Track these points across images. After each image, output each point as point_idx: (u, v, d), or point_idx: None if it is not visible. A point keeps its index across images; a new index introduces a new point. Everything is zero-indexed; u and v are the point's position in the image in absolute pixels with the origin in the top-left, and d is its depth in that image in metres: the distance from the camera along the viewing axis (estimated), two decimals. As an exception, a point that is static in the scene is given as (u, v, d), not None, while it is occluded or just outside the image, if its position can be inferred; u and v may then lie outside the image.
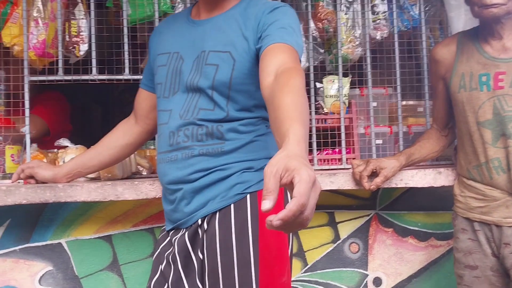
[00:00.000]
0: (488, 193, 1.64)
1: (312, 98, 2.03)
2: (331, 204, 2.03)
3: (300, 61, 1.24)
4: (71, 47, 1.96)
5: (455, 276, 1.76)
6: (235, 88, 1.29)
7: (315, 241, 2.02)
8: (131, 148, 1.64)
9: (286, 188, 1.30)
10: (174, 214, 1.33)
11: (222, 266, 1.22)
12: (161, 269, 1.33)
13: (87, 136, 2.47)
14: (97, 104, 4.78)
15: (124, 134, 1.62)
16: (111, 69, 1.96)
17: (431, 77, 1.85)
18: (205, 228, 1.27)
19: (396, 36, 2.12)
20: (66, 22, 1.96)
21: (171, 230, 1.36)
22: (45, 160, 1.90)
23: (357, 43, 2.09)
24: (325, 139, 2.02)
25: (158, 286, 1.32)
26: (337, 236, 2.04)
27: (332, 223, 2.04)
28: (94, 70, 1.93)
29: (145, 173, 1.96)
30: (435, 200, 2.08)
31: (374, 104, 2.08)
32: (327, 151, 2.06)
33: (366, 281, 2.05)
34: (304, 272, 2.01)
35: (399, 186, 1.85)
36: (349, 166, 1.92)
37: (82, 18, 1.97)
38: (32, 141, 1.90)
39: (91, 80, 1.93)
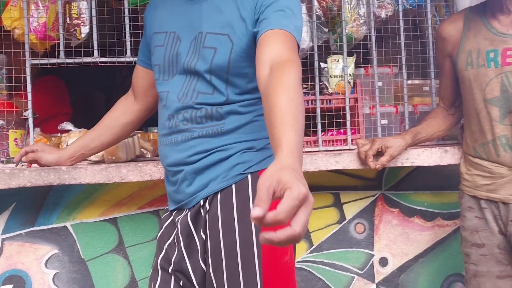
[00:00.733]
0: (495, 170, 1.63)
1: (317, 78, 2.01)
2: (336, 185, 2.02)
3: (299, 46, 1.21)
4: (72, 30, 1.94)
5: (462, 254, 1.76)
6: (233, 72, 1.26)
7: (320, 222, 2.01)
8: (131, 126, 1.62)
9: None
10: (176, 195, 1.33)
11: (224, 247, 1.22)
12: (165, 248, 1.32)
13: (90, 122, 2.47)
14: (100, 91, 4.77)
15: (124, 112, 1.60)
16: (113, 51, 1.94)
17: (438, 55, 1.83)
18: (207, 209, 1.26)
19: (401, 14, 2.09)
20: (67, 4, 1.94)
21: (174, 210, 1.35)
22: (48, 143, 1.90)
23: (361, 21, 2.06)
24: (330, 119, 2.01)
25: (164, 263, 1.32)
26: (342, 217, 2.03)
27: (338, 204, 2.03)
28: (95, 52, 1.91)
29: (149, 156, 1.95)
30: (441, 180, 2.07)
31: (380, 83, 2.05)
32: (332, 132, 2.04)
33: (372, 261, 2.05)
34: (310, 253, 2.01)
35: (405, 165, 1.84)
36: (354, 147, 1.91)
37: (83, 0, 1.95)
38: (35, 125, 1.89)
39: (93, 62, 1.91)
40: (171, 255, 1.30)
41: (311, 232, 2.01)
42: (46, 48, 1.95)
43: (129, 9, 1.94)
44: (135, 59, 1.91)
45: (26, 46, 1.87)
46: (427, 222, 2.08)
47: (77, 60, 1.90)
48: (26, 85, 1.85)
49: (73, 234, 1.88)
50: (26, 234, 1.86)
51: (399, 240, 2.06)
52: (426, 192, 2.08)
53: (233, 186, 1.25)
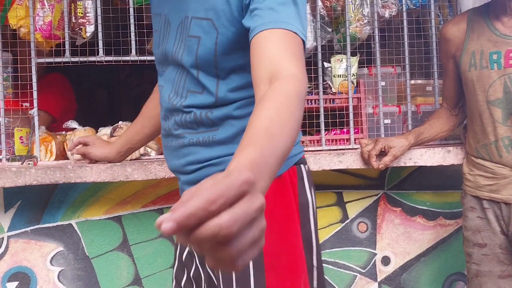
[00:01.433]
0: (497, 171, 1.64)
1: (320, 78, 2.02)
2: (339, 184, 2.03)
3: (305, 48, 0.97)
4: (77, 29, 1.95)
5: (464, 254, 1.77)
6: (224, 66, 1.06)
7: (323, 220, 2.03)
8: None
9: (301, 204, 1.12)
10: None
11: (222, 279, 1.10)
12: (184, 257, 1.26)
13: (93, 119, 2.48)
14: (102, 88, 4.78)
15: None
16: (117, 50, 1.95)
17: (441, 56, 1.83)
18: None
19: (404, 14, 2.09)
20: (72, 3, 1.95)
21: None
22: (53, 142, 1.91)
23: (365, 21, 2.07)
24: (333, 119, 2.02)
25: (180, 274, 1.27)
26: (345, 216, 2.05)
27: (341, 203, 2.04)
28: (101, 51, 1.92)
29: (153, 155, 1.97)
30: (444, 179, 2.08)
31: (383, 83, 2.06)
32: (335, 131, 2.05)
33: (375, 260, 2.06)
34: (313, 252, 2.03)
35: (408, 165, 1.85)
36: (358, 146, 1.92)
37: (88, -1, 1.96)
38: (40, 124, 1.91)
39: (98, 61, 1.93)
40: (189, 267, 1.23)
41: (314, 231, 2.02)
42: (52, 47, 1.96)
43: (134, 8, 1.95)
44: (140, 58, 1.93)
45: (32, 45, 1.88)
46: (429, 222, 2.09)
47: (82, 59, 1.91)
48: (32, 83, 1.87)
49: (78, 232, 1.89)
50: (32, 231, 1.87)
51: (401, 239, 2.08)
52: (429, 191, 2.09)
53: None
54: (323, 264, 1.20)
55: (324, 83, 2.06)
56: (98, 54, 1.92)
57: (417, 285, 2.08)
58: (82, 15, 1.96)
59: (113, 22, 2.03)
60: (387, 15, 2.09)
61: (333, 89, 2.06)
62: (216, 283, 1.14)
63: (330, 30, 2.08)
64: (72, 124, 1.95)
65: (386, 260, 2.07)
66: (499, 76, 1.60)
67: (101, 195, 1.90)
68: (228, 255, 0.50)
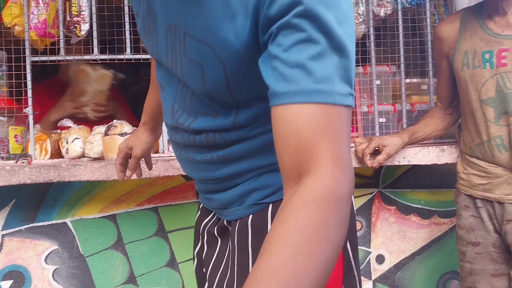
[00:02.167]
0: (491, 170, 1.64)
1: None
2: (334, 183, 2.03)
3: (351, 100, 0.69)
4: (72, 27, 1.95)
5: (458, 252, 1.77)
6: (241, 96, 0.86)
7: (318, 219, 2.03)
8: None
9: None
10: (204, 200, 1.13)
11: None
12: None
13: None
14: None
15: None
16: (112, 48, 1.95)
17: (435, 55, 1.84)
18: (229, 230, 1.02)
19: (400, 13, 2.09)
20: (67, 2, 1.94)
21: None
22: (48, 140, 1.91)
23: (360, 20, 2.07)
24: (328, 117, 2.01)
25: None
26: (340, 214, 2.04)
27: (335, 202, 2.04)
28: (95, 50, 1.92)
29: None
30: (438, 178, 2.08)
31: (378, 82, 2.06)
32: (330, 130, 2.05)
33: (369, 259, 2.07)
34: (307, 250, 2.03)
35: (402, 163, 1.85)
36: (352, 145, 1.92)
37: (83, -3, 1.96)
38: (35, 122, 1.91)
39: (93, 60, 1.92)
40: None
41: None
42: (46, 45, 1.96)
43: (129, 7, 1.95)
44: (135, 56, 1.93)
45: (26, 43, 1.88)
46: (424, 220, 2.09)
47: (77, 57, 1.91)
48: (26, 82, 1.86)
49: (73, 230, 1.89)
50: (26, 230, 1.87)
51: (396, 237, 2.08)
52: (423, 190, 2.09)
53: (250, 218, 0.95)
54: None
55: (319, 81, 2.05)
56: (93, 53, 1.92)
57: (411, 284, 2.09)
58: (77, 13, 1.95)
59: (108, 20, 2.03)
60: (382, 13, 2.09)
61: (328, 87, 2.06)
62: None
63: (325, 28, 2.07)
64: (67, 122, 1.95)
65: (380, 259, 2.07)
66: (492, 75, 1.61)
67: (96, 194, 1.90)
68: None
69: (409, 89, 2.14)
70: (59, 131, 2.00)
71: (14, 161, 1.78)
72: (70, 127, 1.93)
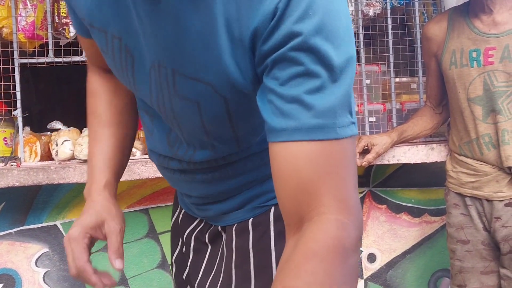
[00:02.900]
0: (479, 168, 1.65)
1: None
2: (325, 182, 2.03)
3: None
4: (60, 29, 1.94)
5: (448, 251, 1.78)
6: (244, 128, 0.81)
7: (309, 219, 2.03)
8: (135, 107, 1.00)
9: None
10: (190, 208, 1.06)
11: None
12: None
13: (81, 119, 2.46)
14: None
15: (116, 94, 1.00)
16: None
17: (424, 54, 1.84)
18: (224, 237, 0.98)
19: (389, 12, 2.10)
20: (55, 3, 1.94)
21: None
22: (38, 143, 1.90)
23: (349, 20, 2.07)
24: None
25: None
26: (331, 214, 2.05)
27: (326, 201, 2.05)
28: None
29: (139, 154, 1.96)
30: (429, 177, 2.09)
31: (367, 81, 2.07)
32: (320, 130, 2.05)
33: (360, 257, 2.07)
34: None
35: (391, 162, 1.86)
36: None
37: (71, -1, 1.95)
38: (24, 124, 1.90)
39: (82, 61, 1.92)
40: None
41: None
42: (35, 47, 1.95)
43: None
44: (124, 58, 1.93)
45: (15, 45, 1.87)
46: (415, 219, 2.10)
47: (66, 59, 1.90)
48: (15, 84, 1.86)
49: (63, 233, 1.89)
50: (16, 233, 1.86)
51: (387, 236, 2.09)
52: (414, 188, 2.10)
53: (250, 220, 0.92)
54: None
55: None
56: (82, 55, 1.91)
57: (403, 282, 2.10)
58: (65, 15, 1.95)
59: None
60: (371, 13, 2.09)
61: (318, 87, 2.06)
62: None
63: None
64: (57, 124, 1.95)
65: (371, 258, 2.08)
66: (479, 74, 1.62)
67: (86, 196, 1.89)
68: None
69: (398, 88, 2.15)
70: (49, 133, 1.99)
71: (3, 164, 1.78)
72: (59, 129, 1.92)
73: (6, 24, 1.90)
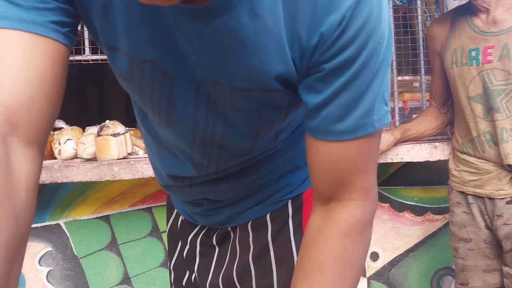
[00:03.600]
0: (481, 166, 1.65)
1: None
2: (327, 181, 2.04)
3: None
4: (63, 28, 1.94)
5: (451, 249, 1.78)
6: (292, 114, 0.79)
7: (312, 217, 2.03)
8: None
9: None
10: (196, 217, 1.04)
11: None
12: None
13: (84, 118, 2.47)
14: (92, 86, 4.77)
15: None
16: (104, 49, 1.94)
17: (429, 54, 1.84)
18: (237, 234, 0.98)
19: (391, 10, 2.10)
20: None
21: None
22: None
23: (351, 18, 2.07)
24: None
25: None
26: (333, 212, 2.05)
27: (329, 200, 2.05)
28: (87, 50, 1.92)
29: (142, 153, 1.97)
30: (432, 175, 2.09)
31: (370, 80, 2.07)
32: (323, 128, 2.05)
33: (363, 256, 2.07)
34: (302, 248, 2.03)
35: (394, 160, 1.86)
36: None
37: (74, -2, 1.95)
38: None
39: (84, 60, 1.92)
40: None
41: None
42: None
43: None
44: (127, 57, 1.93)
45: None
46: (417, 217, 2.10)
47: (68, 58, 1.90)
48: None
49: (66, 232, 1.89)
50: (19, 232, 1.86)
51: (390, 234, 2.09)
52: (416, 187, 2.10)
53: (268, 216, 0.93)
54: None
55: (312, 80, 2.06)
56: (84, 53, 1.91)
57: (406, 280, 2.10)
58: (67, 14, 1.95)
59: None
60: (373, 11, 2.09)
61: (320, 86, 2.06)
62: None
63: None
64: (59, 123, 1.95)
65: (374, 256, 2.08)
66: (478, 72, 1.62)
67: (89, 195, 1.90)
68: None
69: (401, 87, 2.15)
70: (51, 132, 1.99)
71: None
72: (62, 128, 1.92)
73: (8, 23, 1.89)
